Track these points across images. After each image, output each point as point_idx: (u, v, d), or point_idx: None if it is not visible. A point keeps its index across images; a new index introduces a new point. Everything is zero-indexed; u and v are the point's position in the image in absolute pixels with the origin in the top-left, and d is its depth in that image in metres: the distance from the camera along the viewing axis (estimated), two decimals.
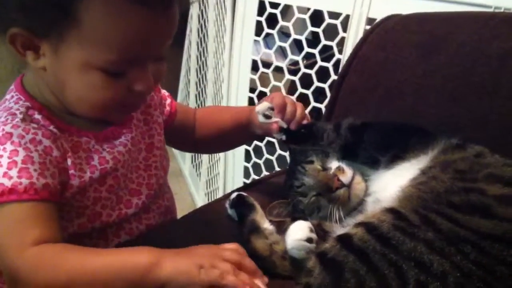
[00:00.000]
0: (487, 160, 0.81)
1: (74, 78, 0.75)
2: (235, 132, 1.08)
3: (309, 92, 1.57)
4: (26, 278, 0.68)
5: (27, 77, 0.84)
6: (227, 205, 0.99)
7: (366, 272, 0.66)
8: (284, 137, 0.97)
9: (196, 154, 2.30)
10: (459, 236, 0.67)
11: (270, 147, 1.75)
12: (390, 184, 0.82)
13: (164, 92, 1.04)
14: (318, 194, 0.89)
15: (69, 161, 0.79)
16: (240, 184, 1.78)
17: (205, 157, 2.14)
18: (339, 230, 0.82)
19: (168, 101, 1.04)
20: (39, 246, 0.69)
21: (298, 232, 0.81)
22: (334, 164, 0.90)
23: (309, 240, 0.80)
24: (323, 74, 1.52)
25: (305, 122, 0.98)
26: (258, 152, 1.80)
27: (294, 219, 0.87)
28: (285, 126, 0.96)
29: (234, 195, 1.00)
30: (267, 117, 0.96)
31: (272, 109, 0.96)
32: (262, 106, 0.97)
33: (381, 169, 0.88)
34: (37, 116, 0.79)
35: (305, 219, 0.86)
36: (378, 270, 0.66)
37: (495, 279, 0.63)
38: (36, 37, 0.73)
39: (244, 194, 0.99)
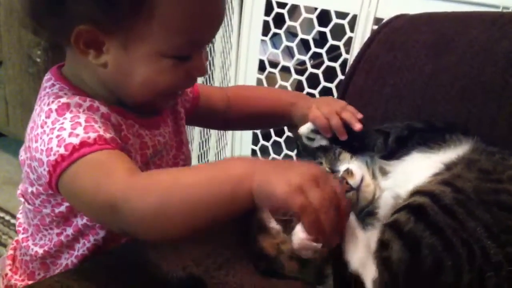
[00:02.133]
0: (510, 162, 0.80)
1: (142, 68, 0.75)
2: (271, 121, 1.09)
3: (316, 92, 1.57)
4: (124, 204, 0.64)
5: (68, 68, 0.83)
6: None
7: (443, 249, 0.63)
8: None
9: (203, 154, 2.30)
10: (506, 225, 0.65)
11: (277, 147, 1.75)
12: (412, 177, 0.81)
13: None
14: None
15: (122, 133, 0.80)
16: None
17: (211, 157, 2.14)
18: None
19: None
20: (129, 175, 0.67)
21: (305, 231, 0.81)
22: (343, 167, 0.89)
23: (315, 239, 0.80)
24: (330, 74, 1.52)
25: (358, 127, 0.94)
26: (264, 151, 1.80)
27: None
28: (326, 143, 0.95)
29: None
30: (310, 139, 0.95)
31: (315, 131, 0.95)
32: (305, 129, 0.95)
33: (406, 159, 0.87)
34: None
35: None
36: (453, 247, 0.63)
37: None
38: (104, 33, 0.73)
39: None
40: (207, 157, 2.22)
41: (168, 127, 0.91)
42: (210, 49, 2.15)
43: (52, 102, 0.75)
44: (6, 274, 0.92)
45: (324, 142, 0.95)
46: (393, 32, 1.16)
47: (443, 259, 0.63)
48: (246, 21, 1.73)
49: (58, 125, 0.72)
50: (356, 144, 0.95)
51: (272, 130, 1.74)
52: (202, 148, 2.30)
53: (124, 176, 0.67)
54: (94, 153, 0.70)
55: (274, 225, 0.90)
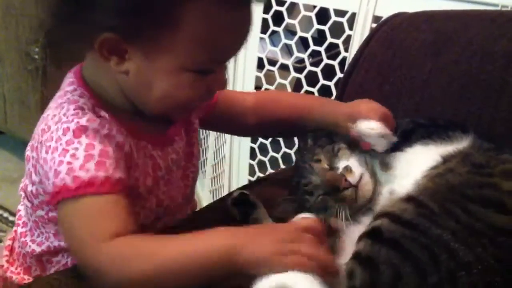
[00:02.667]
0: (505, 157, 0.80)
1: (163, 80, 0.74)
2: (302, 128, 1.04)
3: (314, 90, 1.56)
4: (107, 271, 0.67)
5: (88, 72, 0.81)
6: (229, 203, 0.99)
7: (400, 260, 0.65)
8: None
9: (201, 152, 2.29)
10: (475, 228, 0.66)
11: (276, 144, 1.74)
12: (411, 171, 0.81)
13: None
14: (325, 193, 0.88)
15: (132, 161, 0.79)
16: (245, 182, 1.78)
17: (210, 155, 2.14)
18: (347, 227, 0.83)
19: None
20: (117, 239, 0.68)
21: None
22: (342, 164, 0.89)
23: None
24: (328, 72, 1.52)
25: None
26: (263, 149, 1.80)
27: None
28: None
29: (236, 193, 0.99)
30: (385, 136, 0.87)
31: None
32: (379, 128, 0.87)
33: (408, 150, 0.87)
34: (103, 113, 0.77)
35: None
36: (411, 254, 0.65)
37: None
38: (127, 42, 0.71)
39: (247, 192, 0.99)
40: (205, 155, 2.22)
41: (182, 140, 0.90)
42: None
43: (72, 120, 0.74)
44: (2, 266, 0.92)
45: (395, 139, 0.89)
46: (392, 30, 1.16)
47: (401, 268, 0.65)
48: None
49: (71, 148, 0.72)
50: None
51: None
52: (201, 146, 2.30)
53: (92, 249, 0.68)
54: (97, 197, 0.71)
55: None
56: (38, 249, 0.86)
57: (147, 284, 0.67)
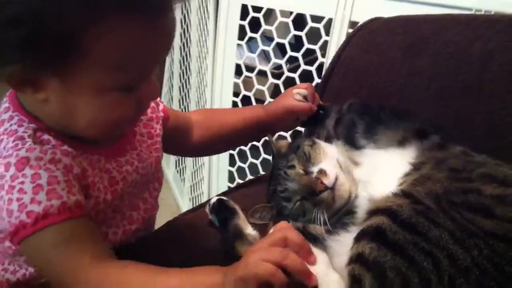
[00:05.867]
0: (477, 159, 0.80)
1: (86, 103, 0.70)
2: (245, 132, 1.08)
3: None
4: None
5: (20, 96, 0.77)
6: (207, 210, 0.98)
7: (407, 268, 0.64)
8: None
9: (180, 160, 2.28)
10: (471, 230, 0.66)
11: (255, 151, 1.74)
12: (383, 179, 0.81)
13: None
14: (303, 198, 0.88)
15: (89, 179, 0.76)
16: (224, 189, 1.77)
17: (189, 162, 2.12)
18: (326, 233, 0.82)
19: (161, 106, 0.97)
20: (102, 264, 0.67)
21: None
22: (316, 168, 0.88)
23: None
24: (306, 78, 1.52)
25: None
26: (242, 156, 1.79)
27: (276, 222, 0.86)
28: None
29: (214, 199, 0.98)
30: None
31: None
32: (301, 91, 1.07)
33: (372, 150, 0.89)
34: (47, 137, 0.74)
35: (288, 221, 0.85)
36: (417, 263, 0.64)
37: (505, 279, 0.62)
38: (36, 72, 0.66)
39: (225, 198, 0.98)
40: (184, 162, 2.20)
41: (135, 149, 0.87)
42: (186, 54, 2.14)
43: (11, 154, 0.70)
44: None
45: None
46: (369, 34, 1.17)
47: (409, 278, 0.64)
48: (222, 25, 1.72)
49: (17, 183, 0.69)
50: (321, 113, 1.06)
51: None
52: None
53: (94, 265, 0.67)
54: (59, 225, 0.68)
55: (250, 231, 0.90)
56: (13, 278, 0.82)
57: None
